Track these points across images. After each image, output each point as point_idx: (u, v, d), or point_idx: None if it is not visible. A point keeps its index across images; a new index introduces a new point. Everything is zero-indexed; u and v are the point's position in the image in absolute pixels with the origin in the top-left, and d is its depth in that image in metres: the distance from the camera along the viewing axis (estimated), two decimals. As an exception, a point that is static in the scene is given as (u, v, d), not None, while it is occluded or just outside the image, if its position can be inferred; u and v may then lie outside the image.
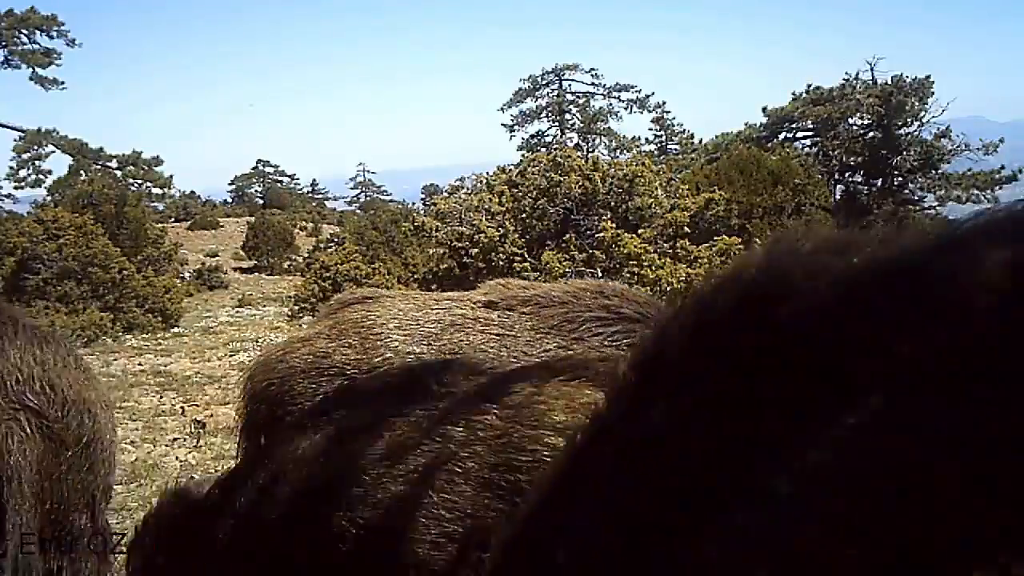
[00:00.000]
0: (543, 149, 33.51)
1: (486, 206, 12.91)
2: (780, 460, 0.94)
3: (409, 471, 2.11)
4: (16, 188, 32.50)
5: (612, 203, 12.74)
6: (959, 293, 0.87)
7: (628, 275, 11.43)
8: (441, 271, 13.47)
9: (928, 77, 21.89)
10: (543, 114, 38.86)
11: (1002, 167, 22.78)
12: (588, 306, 3.31)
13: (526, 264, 12.03)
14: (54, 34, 30.69)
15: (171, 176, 33.73)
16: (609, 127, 39.00)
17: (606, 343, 3.14)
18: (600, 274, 11.96)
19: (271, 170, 63.53)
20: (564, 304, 3.35)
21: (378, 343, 3.28)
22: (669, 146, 37.51)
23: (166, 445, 6.93)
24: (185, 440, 7.26)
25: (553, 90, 38.63)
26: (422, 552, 2.03)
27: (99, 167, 32.35)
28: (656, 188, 13.16)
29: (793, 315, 0.99)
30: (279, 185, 62.33)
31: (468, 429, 2.10)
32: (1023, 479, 0.78)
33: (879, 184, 21.87)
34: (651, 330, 1.31)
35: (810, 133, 26.63)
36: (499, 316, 3.33)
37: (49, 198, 29.56)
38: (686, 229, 13.15)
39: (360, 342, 3.30)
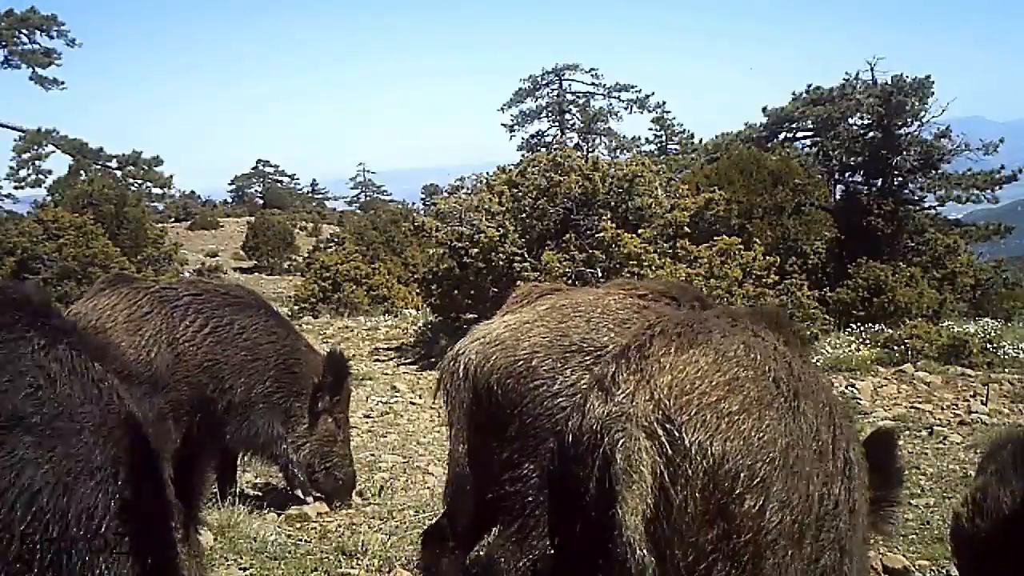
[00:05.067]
0: (543, 149, 33.48)
1: (486, 206, 12.90)
2: None
3: None
4: (16, 188, 32.47)
5: (612, 203, 12.73)
6: None
7: (628, 275, 11.41)
8: (441, 271, 13.46)
9: (928, 77, 21.80)
10: (543, 114, 38.82)
11: (1002, 167, 22.71)
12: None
13: (526, 264, 12.02)
14: (54, 34, 30.69)
15: (171, 176, 33.65)
16: (609, 127, 39.00)
17: None
18: (600, 274, 11.95)
19: (271, 170, 63.50)
20: (683, 289, 4.08)
21: (601, 324, 3.55)
22: (669, 146, 37.46)
23: (166, 445, 6.94)
24: (185, 440, 7.23)
25: (553, 90, 38.59)
26: None
27: (99, 167, 32.30)
28: (656, 188, 13.15)
29: None
30: (279, 185, 62.30)
31: None
32: None
33: (879, 184, 21.77)
34: None
35: (810, 133, 26.56)
36: (650, 302, 3.73)
37: (49, 198, 29.51)
38: (686, 229, 13.13)
39: (585, 323, 3.55)
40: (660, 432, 2.29)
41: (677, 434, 2.29)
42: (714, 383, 2.37)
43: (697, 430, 2.29)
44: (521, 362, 3.47)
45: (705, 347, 2.47)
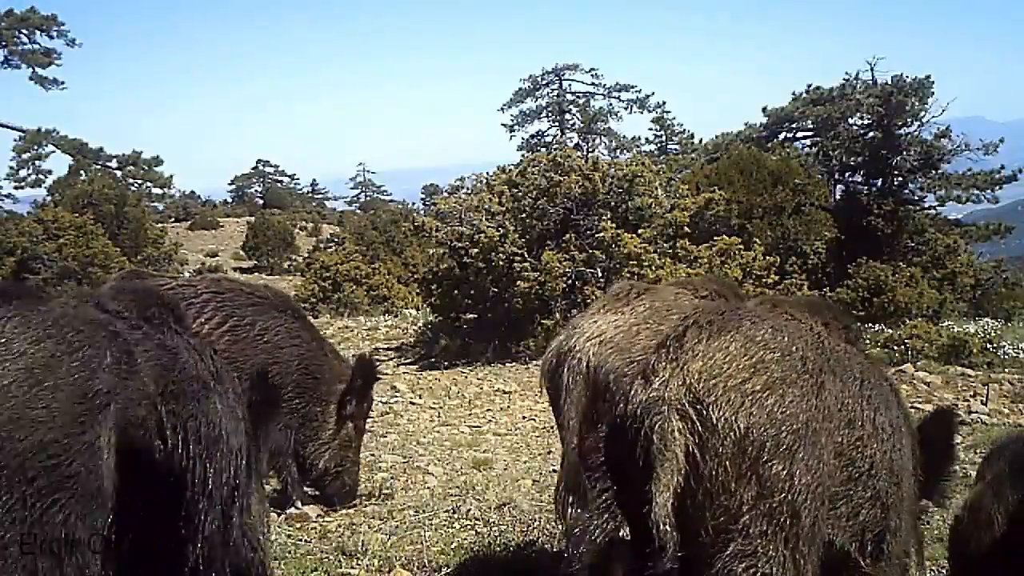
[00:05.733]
0: (543, 149, 33.47)
1: (486, 206, 12.90)
2: None
3: None
4: (16, 188, 32.48)
5: (612, 203, 12.73)
6: None
7: (628, 275, 11.41)
8: (441, 271, 13.46)
9: (928, 77, 21.79)
10: (543, 114, 38.81)
11: (1002, 167, 22.74)
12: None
13: (526, 264, 12.02)
14: (54, 34, 30.70)
15: (171, 176, 33.69)
16: (609, 127, 38.99)
17: None
18: (600, 274, 11.95)
19: (271, 170, 63.43)
20: (731, 287, 4.58)
21: None
22: (669, 146, 37.48)
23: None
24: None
25: (553, 90, 38.58)
26: None
27: (99, 167, 32.31)
28: (656, 188, 13.15)
29: None
30: (279, 185, 62.25)
31: None
32: None
33: (879, 184, 21.76)
34: None
35: (810, 133, 26.58)
36: (712, 298, 4.14)
37: (49, 198, 29.51)
38: (686, 229, 13.13)
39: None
40: (691, 412, 2.63)
41: (706, 413, 2.62)
42: (740, 366, 2.67)
43: (723, 408, 2.62)
44: (635, 364, 3.73)
45: (734, 334, 2.76)
